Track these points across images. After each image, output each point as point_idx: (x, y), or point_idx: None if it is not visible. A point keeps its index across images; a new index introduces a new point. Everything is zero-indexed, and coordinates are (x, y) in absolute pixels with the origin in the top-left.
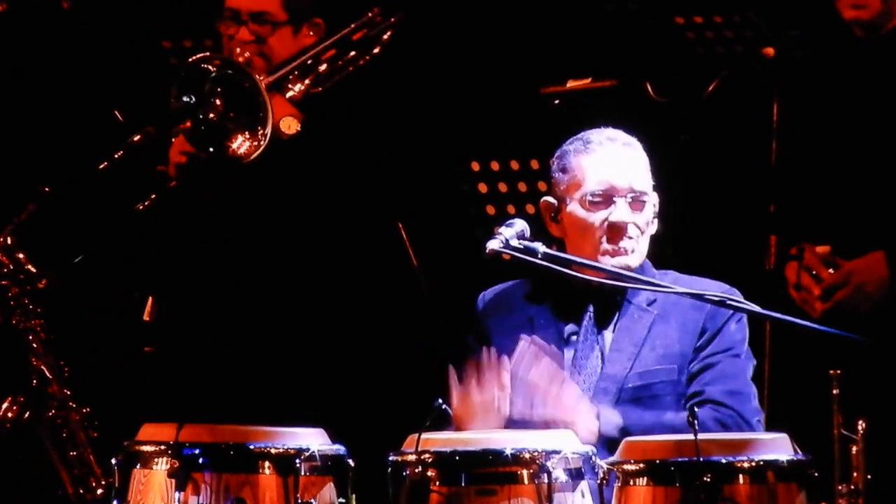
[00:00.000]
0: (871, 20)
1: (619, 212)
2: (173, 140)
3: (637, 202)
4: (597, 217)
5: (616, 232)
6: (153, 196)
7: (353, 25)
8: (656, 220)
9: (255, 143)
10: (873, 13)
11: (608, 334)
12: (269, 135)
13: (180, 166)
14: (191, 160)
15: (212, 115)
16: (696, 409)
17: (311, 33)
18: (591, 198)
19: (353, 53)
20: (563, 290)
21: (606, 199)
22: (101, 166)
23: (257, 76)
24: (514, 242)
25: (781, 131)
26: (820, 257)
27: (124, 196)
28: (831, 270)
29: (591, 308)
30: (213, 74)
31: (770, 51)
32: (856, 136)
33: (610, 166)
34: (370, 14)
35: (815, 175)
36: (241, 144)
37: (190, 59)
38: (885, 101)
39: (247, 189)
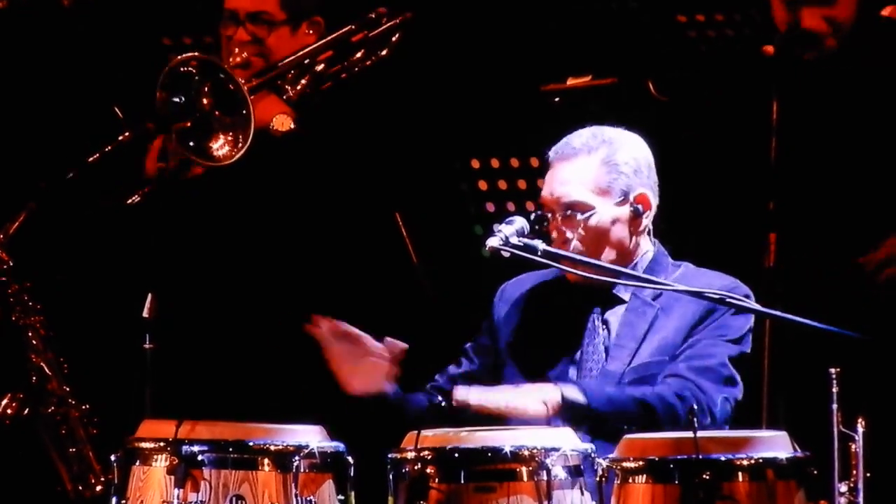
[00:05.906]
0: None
1: (555, 231)
2: (152, 146)
3: (571, 218)
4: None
5: (561, 247)
6: (142, 192)
7: (352, 26)
8: (645, 218)
9: (237, 145)
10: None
11: (613, 330)
12: (251, 136)
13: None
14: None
15: (198, 114)
16: (694, 407)
17: (311, 32)
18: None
19: (359, 55)
20: (570, 285)
21: (548, 213)
22: (92, 159)
23: (236, 75)
24: (514, 240)
25: (781, 129)
26: None
27: (117, 192)
28: None
29: (595, 303)
30: (196, 76)
31: (770, 48)
32: (854, 135)
33: (546, 185)
34: (372, 15)
35: (814, 173)
36: (222, 146)
37: (172, 61)
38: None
39: (247, 186)
